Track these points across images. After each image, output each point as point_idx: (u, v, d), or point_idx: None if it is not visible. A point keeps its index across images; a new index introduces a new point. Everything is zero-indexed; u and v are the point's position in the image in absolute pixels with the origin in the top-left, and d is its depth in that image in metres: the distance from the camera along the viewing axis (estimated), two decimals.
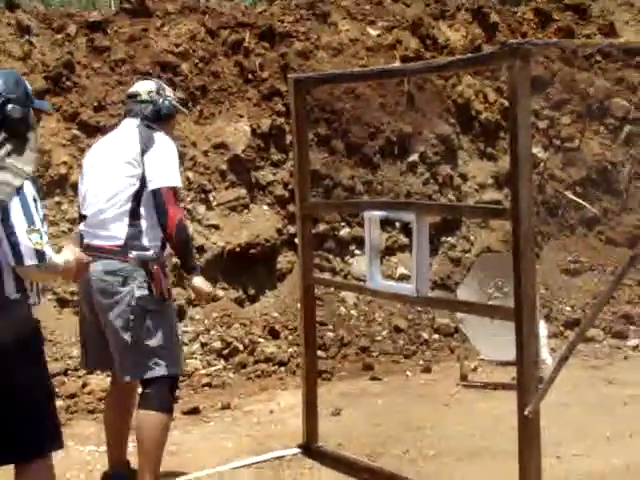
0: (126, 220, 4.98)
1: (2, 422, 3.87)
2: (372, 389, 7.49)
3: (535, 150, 10.50)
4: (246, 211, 8.95)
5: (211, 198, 8.81)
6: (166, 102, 5.24)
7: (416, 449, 6.00)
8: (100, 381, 7.36)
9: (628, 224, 10.72)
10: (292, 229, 9.05)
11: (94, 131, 8.48)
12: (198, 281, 5.13)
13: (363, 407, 6.97)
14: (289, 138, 9.42)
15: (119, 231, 4.97)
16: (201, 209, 8.74)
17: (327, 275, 8.97)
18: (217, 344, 8.05)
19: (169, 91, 5.35)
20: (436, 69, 5.35)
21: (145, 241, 5.00)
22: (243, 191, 8.97)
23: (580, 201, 10.36)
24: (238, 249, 8.64)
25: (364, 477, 5.47)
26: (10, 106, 3.95)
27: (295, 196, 5.94)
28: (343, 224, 9.17)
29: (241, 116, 9.28)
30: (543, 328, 7.61)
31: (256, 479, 5.59)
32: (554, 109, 10.86)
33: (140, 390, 5.14)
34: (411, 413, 6.77)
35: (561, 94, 10.94)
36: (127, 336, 4.95)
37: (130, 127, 5.18)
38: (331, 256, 9.11)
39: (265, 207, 9.08)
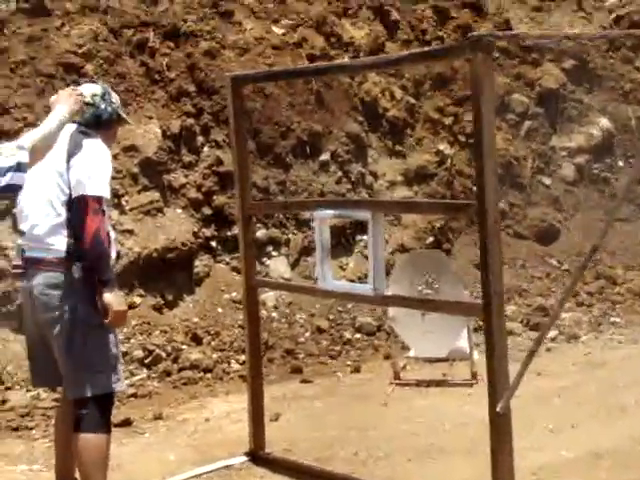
0: (64, 231, 4.71)
1: None
2: (305, 392, 7.36)
3: (441, 146, 10.61)
4: (160, 215, 8.72)
5: (124, 202, 8.54)
6: (109, 108, 4.98)
7: (365, 451, 5.90)
8: (21, 397, 7.09)
9: (533, 217, 10.90)
10: (207, 232, 8.91)
11: None
12: (109, 297, 4.67)
13: (300, 411, 6.84)
14: (200, 139, 9.27)
15: (58, 243, 4.70)
16: (114, 214, 8.45)
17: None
18: (138, 352, 7.80)
19: (115, 98, 5.10)
20: (391, 64, 5.26)
21: None
22: (156, 194, 8.74)
23: None
24: (155, 254, 8.41)
25: None
26: None
27: (236, 197, 5.76)
28: (259, 225, 9.02)
29: (150, 118, 9.04)
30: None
31: None
32: (458, 105, 10.94)
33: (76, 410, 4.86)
34: (351, 414, 6.68)
35: (464, 90, 11.01)
36: (70, 351, 4.70)
37: (65, 133, 4.92)
38: None
39: (179, 210, 8.87)
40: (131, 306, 8.15)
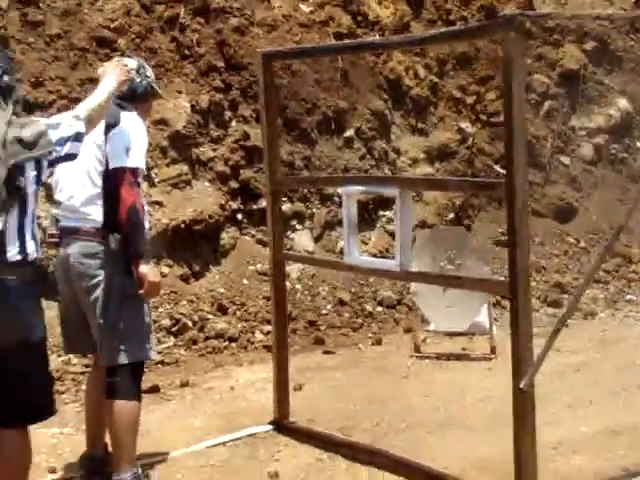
0: (99, 202, 4.66)
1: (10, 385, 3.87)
2: (327, 363, 7.30)
3: (463, 125, 10.47)
4: (188, 187, 8.63)
5: (153, 175, 8.44)
6: (144, 82, 4.91)
7: (386, 422, 5.83)
8: (52, 361, 6.98)
9: (552, 196, 10.76)
10: (234, 205, 8.83)
11: (32, 108, 8.03)
12: (145, 269, 4.60)
13: (323, 381, 6.76)
14: (227, 114, 9.17)
15: (95, 213, 4.65)
16: (143, 186, 8.32)
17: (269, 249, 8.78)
18: (166, 321, 7.74)
19: (150, 72, 5.01)
20: (425, 41, 5.13)
21: None
22: (185, 167, 8.65)
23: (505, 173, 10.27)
24: (182, 226, 8.32)
25: (342, 452, 5.28)
26: (6, 77, 3.88)
27: (265, 171, 5.68)
28: (284, 200, 8.92)
29: (180, 92, 8.93)
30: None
31: (232, 457, 5.35)
32: (480, 84, 10.79)
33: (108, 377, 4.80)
34: (372, 386, 6.61)
35: (486, 70, 10.86)
36: (105, 320, 4.65)
37: None
38: None
39: (207, 183, 8.78)
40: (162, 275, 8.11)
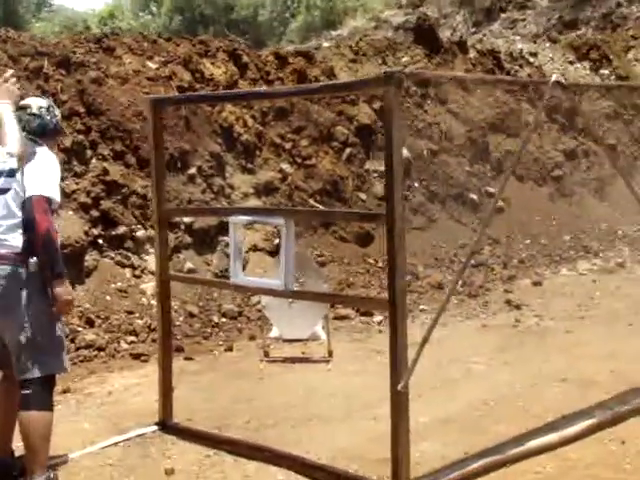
0: (20, 230, 4.14)
1: None
2: (189, 368, 6.82)
3: (283, 166, 10.28)
4: (55, 216, 7.93)
5: None
6: (53, 120, 4.44)
7: (255, 419, 5.47)
8: None
9: (353, 225, 10.68)
10: (95, 231, 8.23)
11: None
12: (59, 289, 4.19)
13: (190, 384, 6.26)
14: (88, 153, 8.58)
15: (14, 240, 4.14)
16: None
17: (128, 270, 8.23)
18: None
19: (57, 112, 4.53)
20: (314, 92, 4.87)
21: None
22: None
23: (319, 206, 10.17)
24: None
25: (225, 448, 4.90)
26: None
27: (152, 201, 5.23)
28: (139, 226, 8.43)
29: None
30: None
31: (127, 456, 4.86)
32: (295, 133, 10.64)
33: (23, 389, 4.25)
34: (234, 387, 6.22)
35: (299, 122, 10.74)
36: (22, 335, 4.13)
37: None
38: (130, 254, 8.33)
39: (71, 212, 8.15)
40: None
